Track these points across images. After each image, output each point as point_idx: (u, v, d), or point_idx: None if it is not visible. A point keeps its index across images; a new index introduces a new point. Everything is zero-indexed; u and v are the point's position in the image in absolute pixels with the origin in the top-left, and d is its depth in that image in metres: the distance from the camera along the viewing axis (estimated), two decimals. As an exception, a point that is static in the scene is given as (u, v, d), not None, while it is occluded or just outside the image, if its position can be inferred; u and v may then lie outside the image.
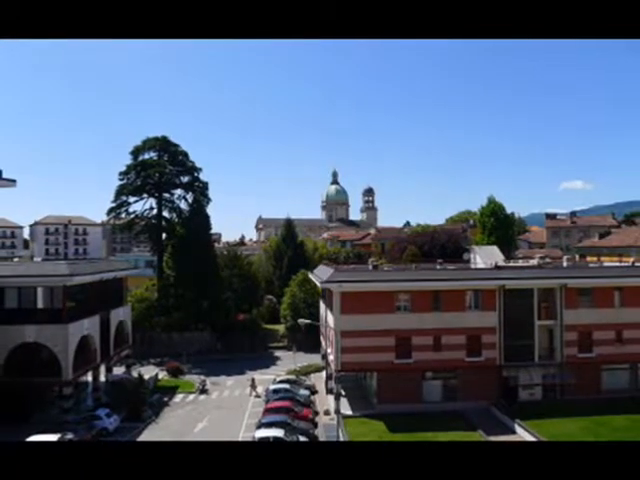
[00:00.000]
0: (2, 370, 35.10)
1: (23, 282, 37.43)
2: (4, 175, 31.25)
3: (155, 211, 68.49)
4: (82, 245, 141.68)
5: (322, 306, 48.14)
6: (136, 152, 67.21)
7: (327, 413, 37.63)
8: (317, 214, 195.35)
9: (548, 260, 50.56)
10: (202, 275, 61.52)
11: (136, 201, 68.06)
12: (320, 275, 43.09)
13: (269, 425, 32.10)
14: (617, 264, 48.97)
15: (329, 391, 41.27)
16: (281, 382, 43.09)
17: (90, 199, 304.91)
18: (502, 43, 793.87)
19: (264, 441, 28.99)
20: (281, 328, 65.35)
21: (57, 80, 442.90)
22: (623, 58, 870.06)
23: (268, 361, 56.96)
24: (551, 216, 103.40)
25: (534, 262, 47.01)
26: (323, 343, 47.23)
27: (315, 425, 35.41)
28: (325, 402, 40.44)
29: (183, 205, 68.72)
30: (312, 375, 49.01)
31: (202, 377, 48.23)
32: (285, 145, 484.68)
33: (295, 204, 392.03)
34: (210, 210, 68.76)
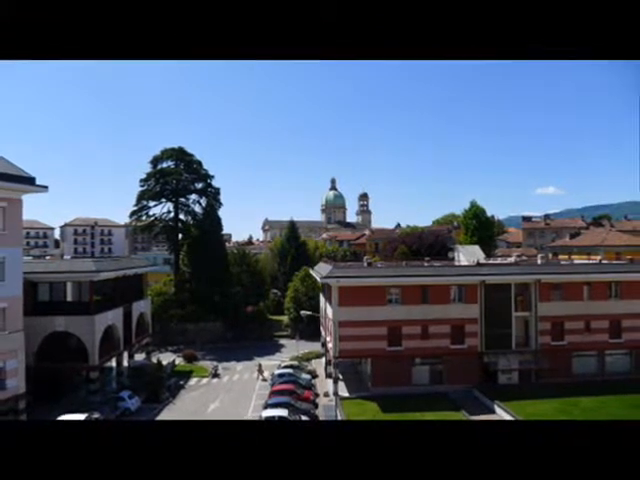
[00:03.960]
0: (36, 356, 35.13)
1: (54, 278, 37.46)
2: (37, 182, 31.32)
3: (172, 214, 68.47)
4: (107, 245, 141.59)
5: (322, 299, 48.15)
6: (155, 161, 67.27)
7: (326, 395, 37.64)
8: (317, 217, 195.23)
9: (524, 258, 50.62)
10: (214, 271, 61.58)
11: (155, 205, 68.10)
12: (320, 271, 43.09)
13: (274, 406, 32.10)
14: (586, 262, 49.00)
15: (328, 375, 41.27)
16: (285, 367, 43.09)
17: (114, 203, 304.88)
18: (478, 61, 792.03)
19: (270, 420, 28.99)
20: (285, 319, 65.36)
21: (86, 90, 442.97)
22: (594, 73, 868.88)
23: (273, 348, 56.97)
24: (527, 218, 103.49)
25: (511, 260, 47.03)
26: (323, 332, 47.23)
27: (316, 406, 35.40)
28: (325, 385, 40.43)
29: (197, 209, 68.70)
30: (313, 361, 49.00)
31: (214, 363, 48.29)
32: (289, 155, 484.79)
33: (297, 208, 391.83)
34: (221, 213, 69.40)
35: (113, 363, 42.41)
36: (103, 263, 42.55)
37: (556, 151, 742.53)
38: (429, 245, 75.13)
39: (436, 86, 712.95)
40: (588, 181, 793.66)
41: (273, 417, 29.66)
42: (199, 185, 69.19)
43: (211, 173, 69.19)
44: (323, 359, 46.58)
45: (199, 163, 68.74)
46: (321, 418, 33.08)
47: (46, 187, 31.80)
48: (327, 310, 41.73)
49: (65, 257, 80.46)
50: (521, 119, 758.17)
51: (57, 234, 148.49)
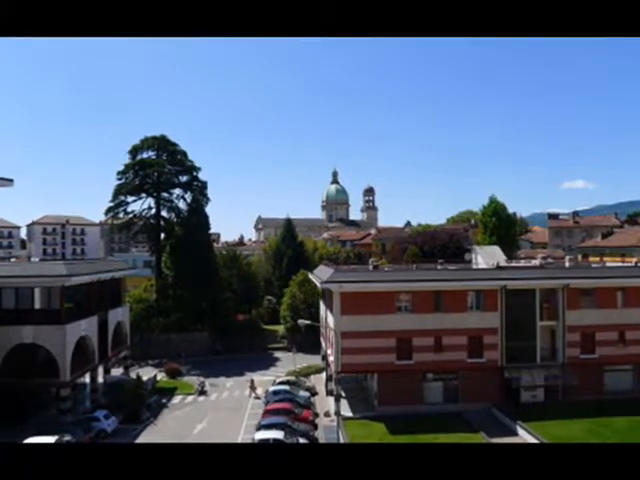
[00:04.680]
0: (-1, 371, 35.08)
1: (20, 282, 37.42)
2: (1, 174, 31.29)
3: (153, 211, 68.46)
4: (80, 245, 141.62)
5: (322, 307, 48.14)
6: (134, 151, 67.20)
7: (327, 415, 37.64)
8: (317, 214, 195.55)
9: (550, 260, 50.55)
10: (201, 275, 61.52)
11: (134, 201, 68.13)
12: (320, 275, 43.09)
13: (269, 427, 32.10)
14: (620, 264, 48.97)
15: (329, 393, 41.27)
16: (281, 383, 43.11)
17: (88, 199, 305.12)
18: (502, 42, 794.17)
19: (264, 443, 28.98)
20: (281, 329, 65.36)
21: (54, 80, 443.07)
22: (625, 57, 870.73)
23: (267, 362, 56.98)
24: (553, 216, 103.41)
25: (536, 262, 47.01)
26: (323, 344, 47.23)
27: (315, 427, 35.40)
28: (325, 404, 40.44)
29: (182, 205, 68.83)
30: (312, 376, 49.02)
31: (201, 378, 48.26)
32: (285, 144, 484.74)
33: (295, 204, 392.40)
34: (209, 210, 68.91)
35: (87, 379, 42.37)
36: (75, 266, 42.50)
37: (586, 141, 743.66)
38: (443, 246, 75.16)
39: (454, 71, 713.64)
40: (622, 174, 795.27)
41: (267, 440, 29.65)
42: (184, 178, 69.24)
43: (197, 165, 69.42)
44: (323, 374, 46.58)
45: (184, 153, 68.74)
46: (321, 441, 33.10)
47: (11, 180, 31.79)
48: (328, 319, 41.72)
49: (33, 259, 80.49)
50: (548, 106, 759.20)
51: (23, 233, 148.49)
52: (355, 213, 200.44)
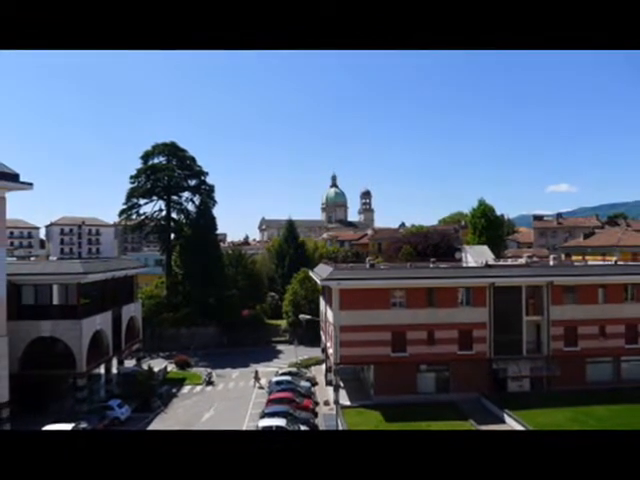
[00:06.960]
0: (20, 363, 35.11)
1: (40, 280, 37.42)
2: (21, 179, 31.28)
3: (164, 213, 68.51)
4: (95, 245, 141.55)
5: (322, 302, 48.14)
6: (146, 157, 67.25)
7: (327, 404, 37.63)
8: (317, 215, 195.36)
9: (535, 259, 50.59)
10: (208, 273, 61.59)
11: (146, 203, 68.11)
12: (320, 273, 43.08)
13: (272, 415, 32.10)
14: (601, 263, 48.98)
15: (328, 383, 41.27)
16: (283, 374, 43.09)
17: (102, 201, 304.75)
18: (490, 51, 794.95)
19: (267, 430, 28.97)
20: (283, 323, 65.36)
21: (72, 86, 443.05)
22: (606, 64, 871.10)
23: (271, 354, 56.97)
24: (538, 217, 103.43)
25: (522, 261, 47.02)
26: (323, 337, 47.23)
27: (315, 415, 35.41)
28: (325, 393, 40.43)
29: (190, 207, 68.84)
30: (312, 368, 49.00)
31: (208, 369, 48.27)
32: (287, 150, 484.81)
33: (296, 206, 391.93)
34: (216, 212, 69.11)
35: (101, 370, 42.36)
36: (91, 264, 42.52)
37: (569, 146, 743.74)
38: (435, 245, 75.13)
39: (444, 78, 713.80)
40: (603, 178, 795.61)
41: (270, 427, 29.64)
42: (192, 182, 69.20)
43: (205, 169, 69.43)
44: (323, 366, 46.57)
45: (192, 159, 68.74)
46: (321, 428, 33.08)
47: (31, 184, 31.78)
48: (327, 314, 41.72)
49: (51, 258, 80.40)
50: (531, 112, 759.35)
51: (42, 234, 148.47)
52: (353, 215, 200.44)
